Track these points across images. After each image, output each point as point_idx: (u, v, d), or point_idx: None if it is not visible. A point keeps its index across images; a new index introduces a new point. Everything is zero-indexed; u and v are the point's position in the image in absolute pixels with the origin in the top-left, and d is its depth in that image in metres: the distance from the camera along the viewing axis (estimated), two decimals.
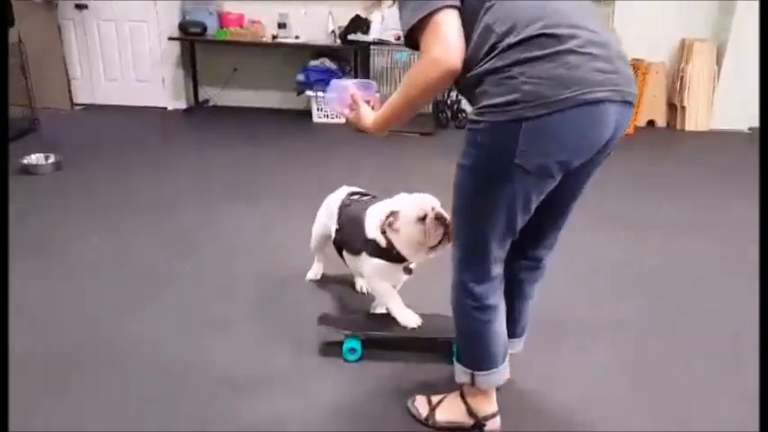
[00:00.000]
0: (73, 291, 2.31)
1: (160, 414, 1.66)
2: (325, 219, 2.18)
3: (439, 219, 1.71)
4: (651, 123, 5.59)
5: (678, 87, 5.46)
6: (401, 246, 1.79)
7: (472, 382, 1.56)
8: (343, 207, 2.02)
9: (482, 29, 1.21)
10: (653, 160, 4.50)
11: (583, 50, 1.16)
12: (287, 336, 2.05)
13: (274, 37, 5.32)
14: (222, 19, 5.37)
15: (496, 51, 1.19)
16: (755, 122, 5.43)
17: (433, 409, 1.66)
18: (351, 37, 5.16)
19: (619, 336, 2.11)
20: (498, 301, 1.47)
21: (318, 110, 5.36)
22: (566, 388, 1.83)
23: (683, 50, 5.44)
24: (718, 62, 5.36)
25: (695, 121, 5.47)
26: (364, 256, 1.87)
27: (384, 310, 2.00)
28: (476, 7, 1.23)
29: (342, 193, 2.14)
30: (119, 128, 5.03)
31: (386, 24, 5.12)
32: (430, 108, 5.45)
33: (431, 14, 1.20)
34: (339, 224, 2.00)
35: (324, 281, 2.43)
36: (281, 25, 5.33)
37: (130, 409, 1.68)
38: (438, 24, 1.20)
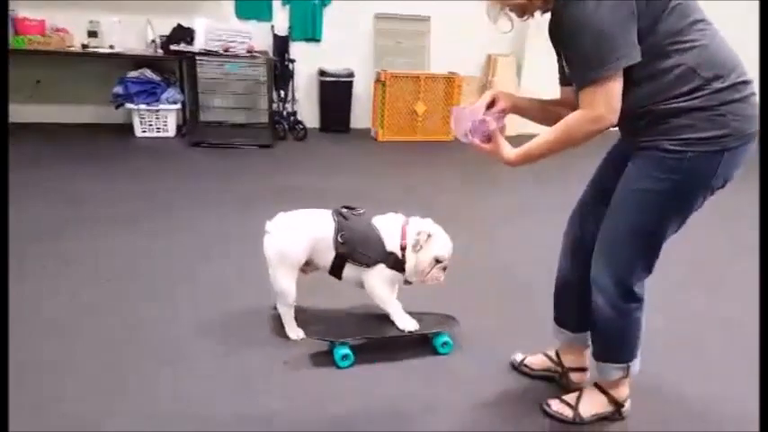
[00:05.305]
0: None
1: None
2: (305, 251, 2.04)
3: (444, 269, 2.01)
4: None
5: None
6: (408, 262, 1.99)
7: (627, 374, 1.70)
8: (342, 220, 2.03)
9: (683, 70, 1.40)
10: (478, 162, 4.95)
11: (753, 92, 1.46)
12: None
13: (84, 46, 4.86)
14: (18, 26, 4.75)
15: (704, 93, 1.39)
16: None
17: (575, 407, 1.76)
18: (174, 47, 4.92)
19: None
20: None
21: (141, 123, 5.01)
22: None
23: (489, 65, 6.11)
24: (519, 74, 6.11)
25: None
26: (380, 267, 2.00)
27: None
28: (665, 49, 1.40)
29: (319, 213, 2.07)
30: None
31: (212, 35, 4.97)
32: (266, 119, 5.41)
33: (608, 76, 1.36)
34: (343, 238, 2.00)
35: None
36: (92, 33, 4.89)
37: None
38: (609, 85, 1.37)
